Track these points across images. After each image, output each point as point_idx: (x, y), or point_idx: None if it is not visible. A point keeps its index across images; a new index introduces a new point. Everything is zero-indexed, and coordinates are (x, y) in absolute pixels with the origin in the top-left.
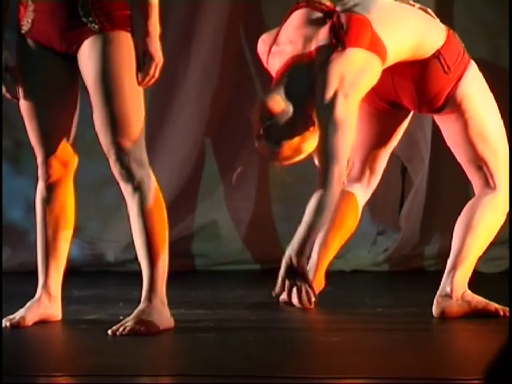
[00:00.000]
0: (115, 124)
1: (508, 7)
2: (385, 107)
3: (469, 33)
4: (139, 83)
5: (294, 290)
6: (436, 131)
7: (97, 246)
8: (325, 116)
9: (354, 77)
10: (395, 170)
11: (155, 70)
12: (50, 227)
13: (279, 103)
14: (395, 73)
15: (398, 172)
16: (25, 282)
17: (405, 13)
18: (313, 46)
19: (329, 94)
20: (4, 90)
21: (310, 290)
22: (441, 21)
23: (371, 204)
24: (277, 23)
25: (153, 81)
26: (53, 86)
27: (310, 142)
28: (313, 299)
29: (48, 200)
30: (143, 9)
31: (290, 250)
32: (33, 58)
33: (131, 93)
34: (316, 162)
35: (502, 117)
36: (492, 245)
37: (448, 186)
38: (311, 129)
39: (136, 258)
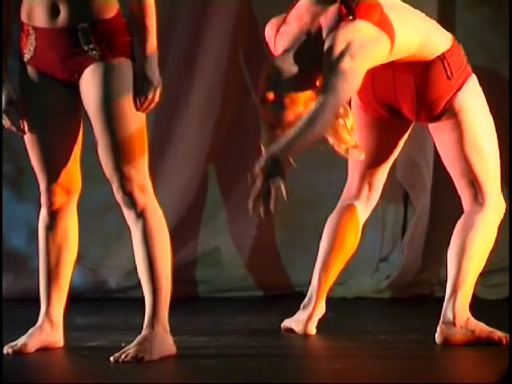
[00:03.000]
0: (118, 151)
1: (509, 30)
2: (383, 115)
3: (470, 54)
4: (138, 108)
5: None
6: (438, 157)
7: (99, 273)
8: (329, 69)
9: (362, 44)
10: (397, 195)
11: (154, 94)
12: (53, 254)
13: (287, 63)
14: (397, 72)
15: (400, 198)
16: (27, 309)
17: (415, 12)
18: (322, 20)
19: (335, 54)
20: (9, 123)
21: (283, 187)
22: None
23: (373, 230)
24: None
25: (152, 105)
26: (55, 113)
27: None
28: (284, 196)
29: (51, 227)
30: (140, 33)
31: (275, 146)
32: (35, 85)
33: (133, 119)
34: (330, 140)
35: (502, 130)
36: (493, 271)
37: (450, 212)
38: (315, 96)
39: (138, 285)
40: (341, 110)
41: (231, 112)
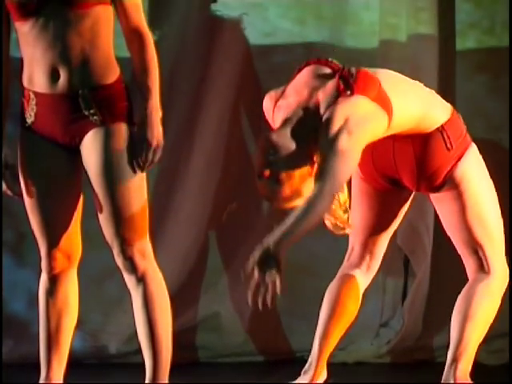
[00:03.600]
0: (118, 216)
1: (508, 98)
2: (384, 186)
3: (470, 122)
4: (136, 169)
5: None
6: (438, 222)
7: (99, 338)
8: (327, 148)
9: (359, 119)
10: (398, 261)
11: (154, 155)
12: (53, 320)
13: (283, 138)
14: (397, 143)
15: (400, 263)
16: (27, 374)
17: (412, 84)
18: (320, 95)
19: (333, 131)
20: (5, 187)
21: (278, 282)
22: None
23: (374, 295)
24: None
25: (151, 166)
26: (56, 177)
27: (309, 185)
28: (278, 292)
29: (51, 292)
30: (142, 94)
31: (270, 238)
32: (36, 150)
33: (134, 185)
34: (326, 221)
35: (503, 200)
36: (494, 337)
37: (451, 277)
38: (312, 171)
39: (138, 350)
40: None
41: (232, 177)
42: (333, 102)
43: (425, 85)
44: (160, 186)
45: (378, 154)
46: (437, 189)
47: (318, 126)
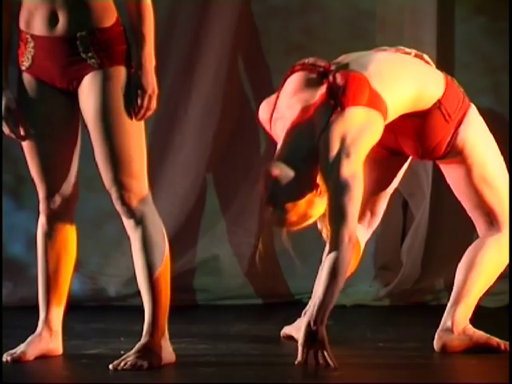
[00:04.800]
0: (116, 161)
1: (508, 41)
2: (386, 154)
3: (470, 67)
4: (132, 116)
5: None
6: (437, 166)
7: (98, 281)
8: (331, 179)
9: (356, 135)
10: (396, 204)
11: (149, 102)
12: (52, 262)
13: (281, 168)
14: (396, 123)
15: (399, 206)
16: (26, 317)
17: (402, 65)
18: (312, 110)
19: (331, 157)
20: (8, 130)
21: (328, 358)
22: (442, 56)
23: (372, 238)
24: (276, 60)
25: (148, 113)
26: (54, 121)
27: (317, 207)
28: (331, 365)
29: (49, 235)
30: (137, 40)
31: (309, 317)
32: (33, 94)
33: (132, 129)
34: (319, 225)
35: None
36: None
37: (449, 220)
38: (317, 193)
39: (137, 293)
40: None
41: (230, 121)
42: (326, 121)
43: (424, 28)
44: (158, 129)
45: (379, 138)
46: (441, 158)
47: (316, 147)
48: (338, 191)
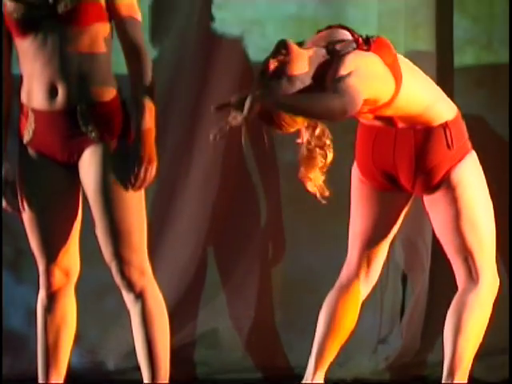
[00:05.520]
0: (116, 234)
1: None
2: (383, 184)
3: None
4: (128, 187)
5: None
6: (437, 239)
7: (97, 354)
8: (332, 84)
9: (368, 73)
10: (396, 277)
11: (146, 173)
12: (51, 336)
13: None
14: (399, 135)
15: (398, 280)
16: None
17: (424, 76)
18: (337, 46)
19: (341, 72)
20: (5, 203)
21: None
22: None
23: (372, 311)
24: (278, 133)
25: (145, 184)
26: (54, 195)
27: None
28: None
29: (49, 309)
30: (137, 111)
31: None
32: (34, 167)
33: (132, 202)
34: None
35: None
36: (493, 353)
37: (449, 294)
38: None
39: (137, 367)
40: (327, 142)
41: (230, 193)
42: (348, 51)
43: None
44: (158, 201)
45: (377, 147)
46: (432, 189)
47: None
48: (338, 87)
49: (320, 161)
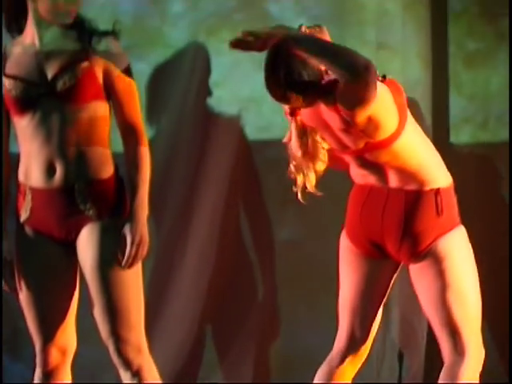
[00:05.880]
0: (113, 313)
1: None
2: (371, 251)
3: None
4: (120, 263)
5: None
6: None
7: None
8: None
9: (380, 94)
10: (392, 355)
11: (137, 250)
12: None
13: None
14: (390, 197)
15: (395, 358)
16: None
17: (425, 136)
18: None
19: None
20: (3, 283)
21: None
22: None
23: None
24: (273, 211)
25: (136, 262)
26: (51, 273)
27: None
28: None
29: None
30: (131, 189)
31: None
32: (31, 246)
33: (129, 280)
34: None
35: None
36: None
37: None
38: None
39: None
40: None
41: (226, 270)
42: None
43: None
44: (155, 278)
45: (367, 209)
46: (419, 257)
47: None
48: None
49: (321, 149)
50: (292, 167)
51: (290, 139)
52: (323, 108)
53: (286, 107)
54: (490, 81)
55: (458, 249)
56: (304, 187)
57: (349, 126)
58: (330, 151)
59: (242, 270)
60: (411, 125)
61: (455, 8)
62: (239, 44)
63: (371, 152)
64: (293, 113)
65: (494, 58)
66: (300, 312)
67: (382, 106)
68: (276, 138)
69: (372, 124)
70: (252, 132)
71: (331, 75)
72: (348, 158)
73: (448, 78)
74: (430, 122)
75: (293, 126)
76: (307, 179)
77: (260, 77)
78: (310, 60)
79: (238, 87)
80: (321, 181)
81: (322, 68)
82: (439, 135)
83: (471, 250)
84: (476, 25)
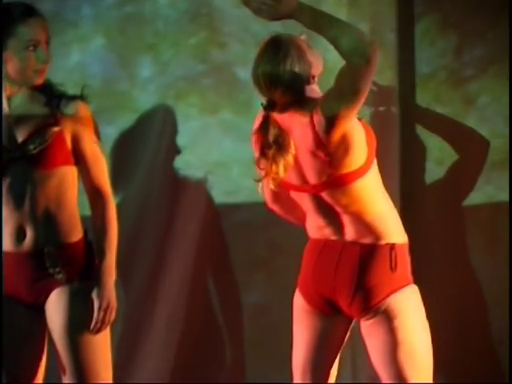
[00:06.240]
0: (82, 377)
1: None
2: (323, 308)
3: None
4: (89, 327)
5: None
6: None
7: None
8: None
9: (356, 123)
10: None
11: (104, 315)
12: None
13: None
14: (344, 250)
15: None
16: None
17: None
18: None
19: None
20: None
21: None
22: None
23: None
24: (241, 275)
25: (103, 327)
26: (19, 336)
27: None
28: None
29: None
30: (99, 254)
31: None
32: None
33: (98, 345)
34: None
35: None
36: None
37: None
38: None
39: None
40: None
41: (194, 334)
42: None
43: None
44: (124, 344)
45: (320, 263)
46: (370, 312)
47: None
48: None
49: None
50: (262, 159)
51: (258, 130)
52: (295, 126)
53: (264, 100)
54: None
55: (410, 307)
56: (276, 176)
57: (318, 146)
58: (289, 201)
59: (211, 333)
60: (375, 173)
61: (423, 73)
62: (250, 3)
63: (331, 189)
64: (269, 107)
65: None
66: (268, 376)
67: (357, 131)
68: (244, 202)
69: (343, 146)
70: (220, 196)
71: (315, 88)
72: (305, 202)
73: (417, 143)
74: (398, 186)
75: (262, 118)
76: (279, 167)
77: (228, 141)
78: (308, 56)
79: (207, 151)
80: (289, 245)
81: (312, 72)
82: (407, 202)
83: (423, 308)
84: (443, 90)
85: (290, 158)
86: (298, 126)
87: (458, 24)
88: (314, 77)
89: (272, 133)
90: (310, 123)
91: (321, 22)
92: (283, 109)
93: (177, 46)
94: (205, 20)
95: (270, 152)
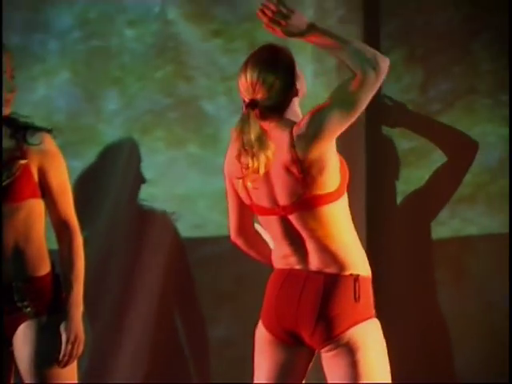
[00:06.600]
0: None
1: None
2: (284, 338)
3: None
4: (57, 361)
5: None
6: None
7: None
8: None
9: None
10: None
11: (72, 349)
12: None
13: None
14: (309, 279)
15: None
16: None
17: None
18: None
19: None
20: None
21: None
22: None
23: None
24: (208, 309)
25: (72, 360)
26: None
27: None
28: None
29: None
30: (65, 287)
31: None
32: None
33: (65, 379)
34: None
35: None
36: None
37: None
38: None
39: None
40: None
41: (160, 368)
42: None
43: None
44: (89, 375)
45: (283, 293)
46: (332, 343)
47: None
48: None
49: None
50: (242, 155)
51: (239, 128)
52: (272, 136)
53: (247, 98)
54: (423, 179)
55: (372, 341)
56: (256, 171)
57: (294, 160)
58: (253, 235)
59: (177, 367)
60: (345, 205)
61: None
62: (265, 15)
63: (301, 212)
64: (251, 105)
65: (426, 158)
66: None
67: (333, 156)
68: (211, 236)
69: (318, 166)
70: (187, 230)
71: (297, 103)
72: (273, 227)
73: (382, 179)
74: (364, 221)
75: (243, 116)
76: (260, 164)
77: (195, 174)
78: (297, 69)
79: (173, 185)
80: (255, 279)
81: (298, 86)
82: (373, 233)
83: (384, 342)
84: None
85: (269, 154)
86: (275, 138)
87: (424, 59)
88: (298, 91)
89: (254, 130)
90: (288, 137)
91: (333, 42)
92: (263, 115)
93: (143, 79)
94: (171, 54)
95: (252, 150)
